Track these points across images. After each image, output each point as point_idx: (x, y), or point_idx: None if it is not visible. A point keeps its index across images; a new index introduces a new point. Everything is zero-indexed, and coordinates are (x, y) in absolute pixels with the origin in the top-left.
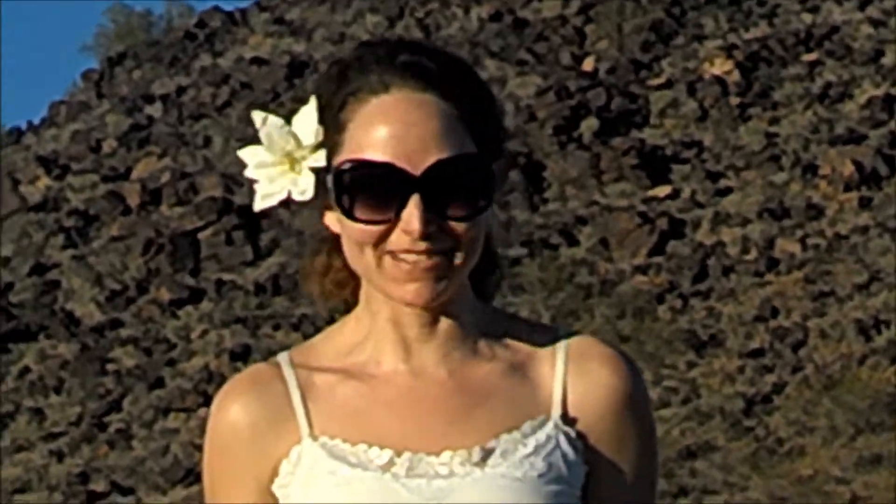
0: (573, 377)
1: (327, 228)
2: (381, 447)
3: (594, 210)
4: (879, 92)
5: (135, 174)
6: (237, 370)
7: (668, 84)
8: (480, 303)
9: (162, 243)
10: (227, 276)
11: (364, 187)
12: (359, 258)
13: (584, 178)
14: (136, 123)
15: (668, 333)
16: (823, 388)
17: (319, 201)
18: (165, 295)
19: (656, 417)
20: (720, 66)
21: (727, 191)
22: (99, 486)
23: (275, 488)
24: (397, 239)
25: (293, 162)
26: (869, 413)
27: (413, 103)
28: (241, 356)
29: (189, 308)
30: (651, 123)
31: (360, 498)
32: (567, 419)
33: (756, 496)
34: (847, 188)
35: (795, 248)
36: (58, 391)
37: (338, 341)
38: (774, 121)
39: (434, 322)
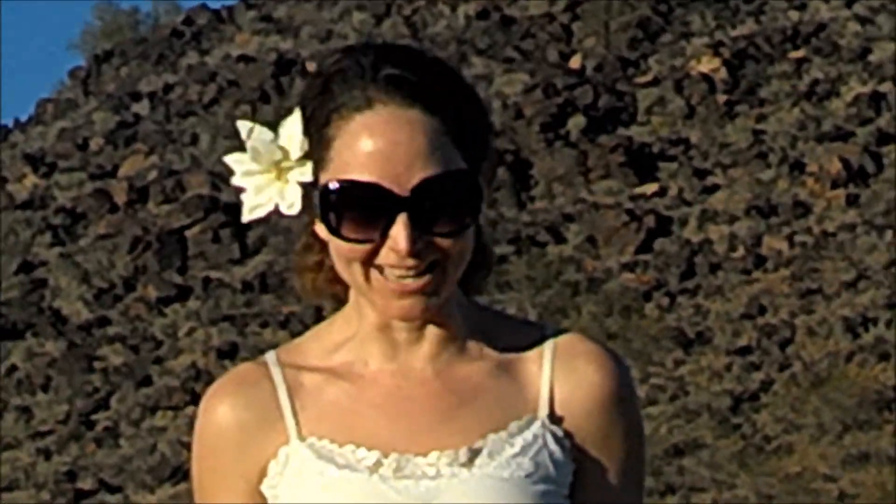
0: (560, 375)
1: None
2: (369, 448)
3: (581, 207)
4: (866, 89)
5: (122, 172)
6: (224, 368)
7: (655, 81)
8: (467, 300)
9: (149, 241)
10: (214, 274)
11: (351, 207)
12: (347, 271)
13: (571, 175)
14: (123, 121)
15: (655, 331)
16: (811, 386)
17: (307, 212)
18: (153, 293)
19: (644, 415)
20: (707, 64)
21: (714, 188)
22: (86, 484)
23: (263, 489)
24: (385, 255)
25: (280, 172)
26: (856, 410)
27: (398, 120)
28: (229, 354)
29: (176, 306)
30: (638, 121)
31: (347, 499)
32: (554, 418)
33: (744, 494)
34: (834, 185)
35: (783, 245)
36: (45, 389)
37: (325, 340)
38: (761, 118)
39: (423, 325)
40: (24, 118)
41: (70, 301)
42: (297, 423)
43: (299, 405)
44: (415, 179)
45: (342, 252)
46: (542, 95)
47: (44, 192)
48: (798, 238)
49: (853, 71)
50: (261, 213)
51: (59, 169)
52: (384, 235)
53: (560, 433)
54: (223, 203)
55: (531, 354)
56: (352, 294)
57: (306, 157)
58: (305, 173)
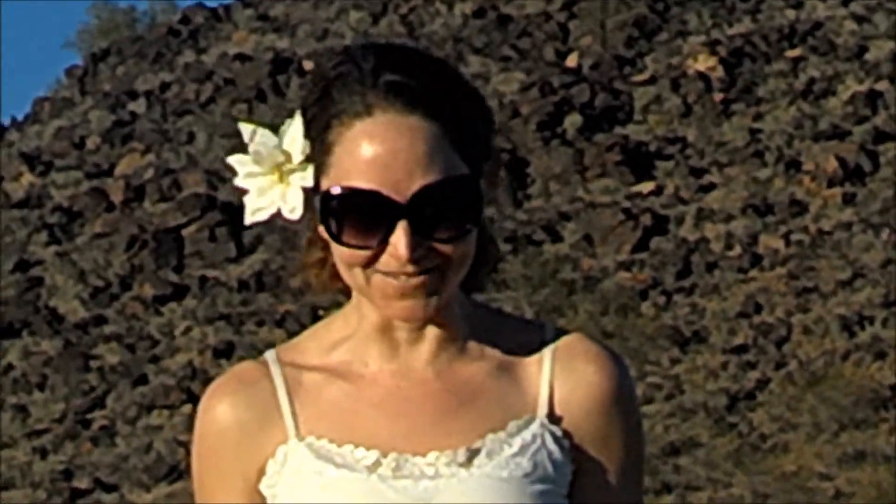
0: (560, 375)
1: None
2: (368, 448)
3: (578, 206)
4: (863, 88)
5: (118, 171)
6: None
7: (652, 80)
8: (468, 300)
9: (145, 240)
10: (210, 273)
11: (351, 214)
12: (348, 275)
13: (567, 174)
14: (120, 120)
15: (651, 329)
16: (807, 385)
17: (309, 215)
18: (149, 291)
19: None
20: (704, 62)
21: (711, 187)
22: (82, 482)
23: (262, 488)
24: (386, 261)
25: (282, 174)
26: (852, 409)
27: (398, 127)
28: (225, 353)
29: (173, 305)
30: (634, 119)
31: (346, 499)
32: (553, 418)
33: (740, 492)
34: (831, 184)
35: (779, 244)
36: (41, 388)
37: (324, 339)
38: (758, 117)
39: (423, 325)
40: (20, 117)
41: (66, 300)
42: (296, 423)
43: (298, 404)
44: (415, 186)
45: (343, 257)
46: (538, 94)
47: (40, 191)
48: (794, 237)
49: (850, 69)
50: (263, 216)
51: (56, 167)
52: (384, 242)
53: (559, 433)
54: (220, 202)
55: (531, 354)
56: (353, 293)
57: (308, 160)
58: (307, 177)
